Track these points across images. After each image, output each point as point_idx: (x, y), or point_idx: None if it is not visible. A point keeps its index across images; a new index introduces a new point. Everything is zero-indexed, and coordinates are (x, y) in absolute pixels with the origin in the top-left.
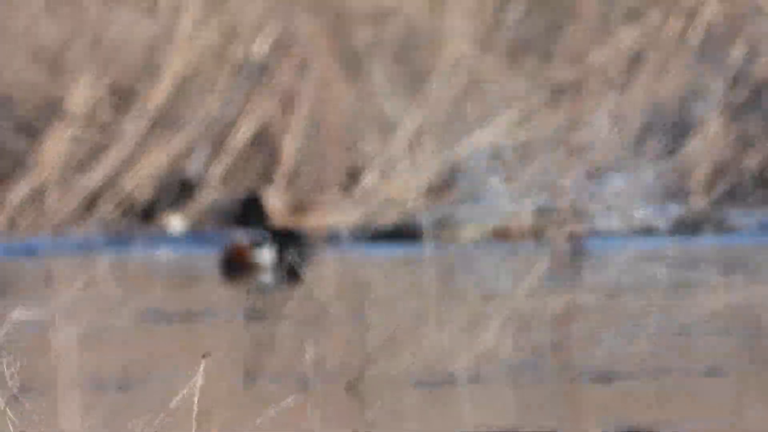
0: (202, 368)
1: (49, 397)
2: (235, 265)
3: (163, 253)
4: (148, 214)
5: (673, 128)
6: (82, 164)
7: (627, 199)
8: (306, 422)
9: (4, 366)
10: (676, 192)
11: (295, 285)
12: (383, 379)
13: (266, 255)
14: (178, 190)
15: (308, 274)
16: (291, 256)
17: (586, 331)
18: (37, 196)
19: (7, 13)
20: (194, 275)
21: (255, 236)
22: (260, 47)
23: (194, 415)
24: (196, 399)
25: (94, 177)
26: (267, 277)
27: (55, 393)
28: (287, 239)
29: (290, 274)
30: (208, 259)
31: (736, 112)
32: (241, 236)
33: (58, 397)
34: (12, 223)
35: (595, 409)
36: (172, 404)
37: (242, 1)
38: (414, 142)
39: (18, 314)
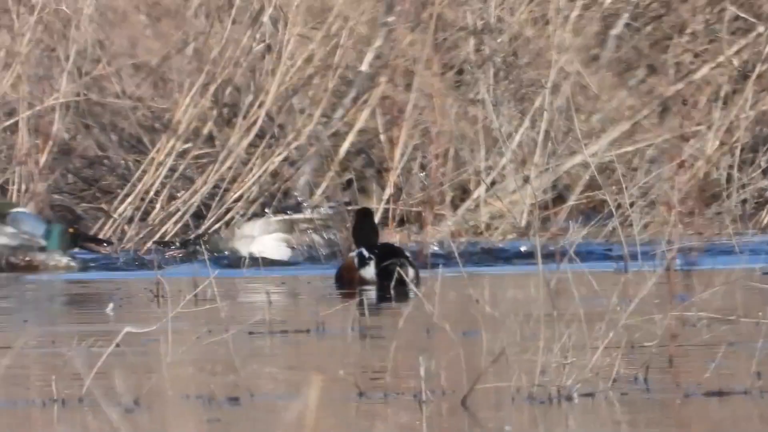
0: (314, 384)
1: (160, 412)
2: (345, 281)
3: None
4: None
5: None
6: (186, 177)
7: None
8: None
9: (117, 381)
10: None
11: (404, 301)
12: (495, 395)
13: (371, 272)
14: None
15: (417, 290)
16: (399, 272)
17: (696, 348)
18: (144, 210)
19: (111, 29)
20: (306, 291)
21: (363, 252)
22: (365, 60)
23: None
24: (308, 415)
25: (199, 189)
26: (375, 293)
27: (166, 408)
28: (391, 255)
29: (398, 290)
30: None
31: None
32: (351, 252)
33: (169, 413)
34: (121, 237)
35: (705, 427)
36: (284, 420)
37: (346, 14)
38: (522, 156)
39: (129, 329)
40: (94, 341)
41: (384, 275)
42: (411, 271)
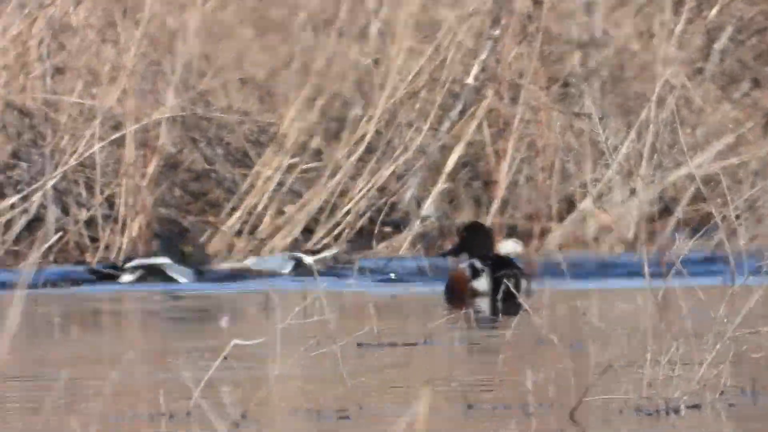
0: (423, 397)
1: (268, 426)
2: (456, 293)
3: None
4: (361, 241)
5: None
6: (293, 192)
7: None
8: None
9: (225, 394)
10: None
11: (513, 313)
12: (602, 407)
13: (484, 283)
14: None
15: (525, 302)
16: (508, 284)
17: None
18: (252, 223)
19: (217, 43)
20: (413, 303)
21: (476, 263)
22: (471, 73)
23: None
24: (417, 428)
25: (307, 203)
26: (485, 305)
27: (274, 422)
28: (504, 267)
29: (507, 302)
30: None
31: None
32: (462, 265)
33: (276, 426)
34: (230, 249)
35: None
36: None
37: (453, 27)
38: (628, 168)
39: (237, 342)
40: (201, 354)
41: (497, 287)
42: (524, 283)
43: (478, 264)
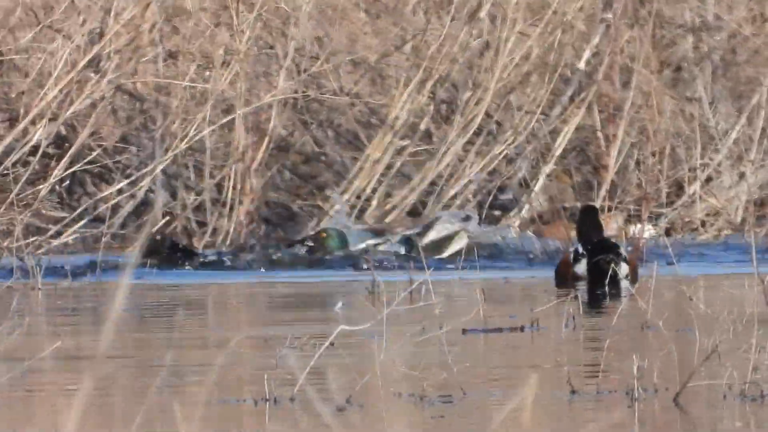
0: (528, 382)
1: (372, 411)
2: (561, 277)
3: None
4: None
5: None
6: (403, 174)
7: None
8: None
9: (330, 380)
10: None
11: (618, 298)
12: (707, 392)
13: (584, 267)
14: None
15: (631, 287)
16: (612, 268)
17: None
18: (360, 207)
19: (330, 26)
20: (521, 288)
21: (579, 248)
22: (583, 58)
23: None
24: (522, 413)
25: (416, 186)
26: (588, 290)
27: (378, 407)
28: (604, 252)
29: (612, 287)
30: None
31: None
32: (570, 249)
33: (381, 411)
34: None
35: None
36: (496, 419)
37: (565, 10)
38: (738, 153)
39: (343, 328)
40: (308, 340)
41: (594, 271)
42: (624, 267)
43: (580, 248)
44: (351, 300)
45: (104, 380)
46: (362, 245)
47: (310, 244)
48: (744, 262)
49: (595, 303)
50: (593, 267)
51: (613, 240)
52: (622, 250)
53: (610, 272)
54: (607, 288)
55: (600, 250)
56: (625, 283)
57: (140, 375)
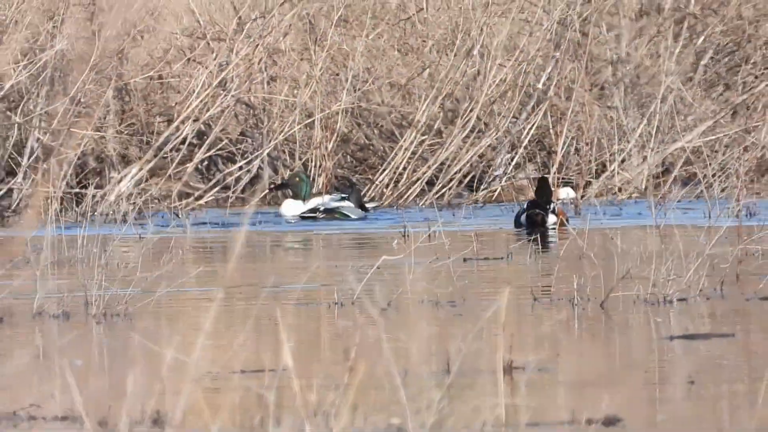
0: (505, 294)
1: (404, 311)
2: (516, 225)
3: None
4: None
5: None
6: (422, 158)
7: None
8: (571, 331)
9: (377, 290)
10: None
11: (551, 238)
12: (623, 300)
13: (552, 218)
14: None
15: (572, 231)
16: (535, 219)
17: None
18: (395, 180)
19: (374, 60)
20: (500, 233)
21: (523, 205)
22: (541, 81)
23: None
24: (500, 315)
25: (431, 166)
26: (550, 232)
27: (408, 308)
28: (538, 207)
29: (539, 229)
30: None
31: None
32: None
33: (410, 311)
34: (380, 197)
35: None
36: (481, 317)
37: (529, 50)
38: (642, 143)
39: (386, 257)
40: (364, 266)
41: (528, 220)
42: (552, 217)
43: (524, 205)
44: (390, 240)
45: (231, 290)
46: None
47: (283, 182)
48: (646, 215)
49: (545, 242)
50: (528, 218)
51: (550, 200)
52: (553, 206)
53: (539, 221)
54: (538, 231)
55: (534, 206)
56: (553, 228)
57: (253, 290)
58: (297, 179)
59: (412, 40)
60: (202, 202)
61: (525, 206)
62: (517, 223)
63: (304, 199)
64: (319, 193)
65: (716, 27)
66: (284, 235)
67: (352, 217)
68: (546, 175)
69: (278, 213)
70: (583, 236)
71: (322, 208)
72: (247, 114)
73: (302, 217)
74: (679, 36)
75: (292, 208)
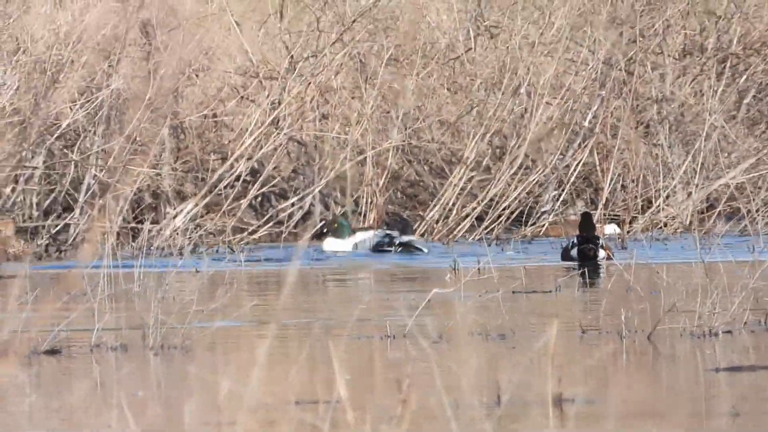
0: (552, 326)
1: (455, 343)
2: (564, 258)
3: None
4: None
5: None
6: (472, 194)
7: None
8: (619, 363)
9: (428, 321)
10: None
11: (600, 272)
12: (669, 332)
13: (575, 252)
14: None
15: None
16: (587, 253)
17: None
18: (444, 215)
19: (425, 98)
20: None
21: (573, 241)
22: (587, 119)
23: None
24: (548, 348)
25: (480, 202)
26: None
27: (459, 340)
28: (589, 242)
29: (591, 263)
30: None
31: None
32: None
33: (460, 343)
34: (431, 232)
35: None
36: (532, 352)
37: (575, 88)
38: (687, 179)
39: (437, 291)
40: (415, 298)
41: (580, 255)
42: (602, 252)
43: (574, 240)
44: (439, 274)
45: (284, 323)
46: (358, 239)
47: (324, 228)
48: (691, 250)
49: (592, 276)
50: (580, 252)
51: (597, 235)
52: (601, 241)
53: (591, 255)
54: (590, 267)
55: (584, 241)
56: (602, 262)
57: (306, 323)
58: (335, 225)
59: (460, 79)
60: (255, 236)
61: (573, 241)
62: (564, 257)
63: (345, 238)
64: (365, 228)
65: (758, 66)
66: (337, 270)
67: (424, 250)
68: (588, 211)
69: (321, 249)
70: (630, 270)
71: (396, 242)
72: (299, 151)
73: (375, 250)
74: (722, 75)
75: (333, 245)
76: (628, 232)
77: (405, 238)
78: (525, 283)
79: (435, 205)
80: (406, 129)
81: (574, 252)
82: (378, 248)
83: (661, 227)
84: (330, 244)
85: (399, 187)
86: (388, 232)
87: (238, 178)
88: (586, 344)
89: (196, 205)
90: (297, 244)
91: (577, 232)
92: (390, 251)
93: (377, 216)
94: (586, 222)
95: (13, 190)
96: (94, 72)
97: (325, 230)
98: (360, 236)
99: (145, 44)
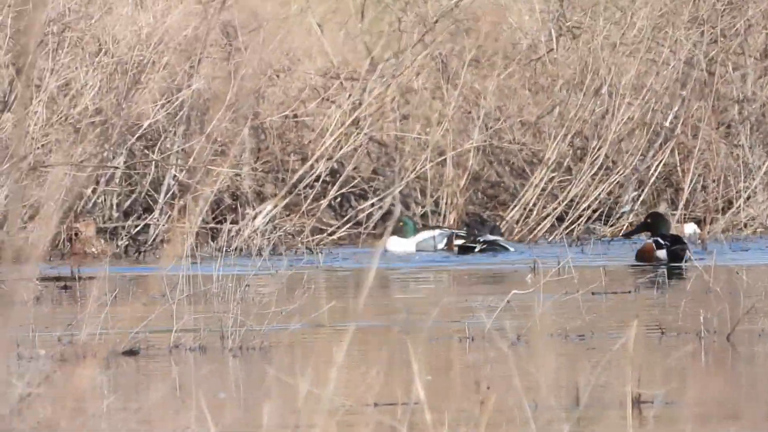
0: (631, 326)
1: (533, 344)
2: (645, 259)
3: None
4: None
5: None
6: (552, 194)
7: None
8: (698, 364)
9: (506, 323)
10: None
11: (684, 272)
12: (748, 333)
13: (664, 253)
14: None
15: (699, 266)
16: (679, 254)
17: None
18: (526, 215)
19: (506, 99)
20: (621, 267)
21: (658, 240)
22: (668, 119)
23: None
24: (628, 348)
25: (561, 202)
26: (664, 266)
27: (537, 342)
28: (678, 243)
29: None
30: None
31: None
32: (649, 240)
33: (539, 344)
34: (511, 232)
35: None
36: (611, 353)
37: (656, 89)
38: (767, 180)
39: (515, 292)
40: (494, 300)
41: (672, 255)
42: (689, 254)
43: (660, 240)
44: (519, 274)
45: (363, 324)
46: (421, 238)
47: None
48: None
49: (672, 276)
50: (671, 253)
51: (679, 235)
52: (686, 242)
53: (685, 257)
54: (681, 266)
55: (676, 242)
56: (695, 263)
57: (385, 324)
58: (401, 223)
59: (542, 80)
60: (334, 237)
61: (658, 240)
62: (642, 259)
63: (408, 237)
64: (432, 227)
65: None
66: (416, 271)
67: (511, 249)
68: (658, 211)
69: (387, 249)
70: (710, 271)
71: (482, 240)
72: (379, 152)
73: (460, 250)
74: None
75: (397, 244)
76: (708, 233)
77: (490, 237)
78: (604, 284)
79: (515, 206)
80: (487, 129)
81: (660, 253)
82: (463, 248)
83: (741, 228)
84: (393, 243)
85: (479, 187)
86: (454, 231)
87: (317, 179)
88: (665, 345)
89: (276, 205)
90: (375, 245)
91: (650, 233)
92: (474, 248)
93: (457, 217)
94: (664, 222)
95: (94, 191)
96: (175, 73)
97: (391, 229)
98: (423, 235)
99: (225, 45)
